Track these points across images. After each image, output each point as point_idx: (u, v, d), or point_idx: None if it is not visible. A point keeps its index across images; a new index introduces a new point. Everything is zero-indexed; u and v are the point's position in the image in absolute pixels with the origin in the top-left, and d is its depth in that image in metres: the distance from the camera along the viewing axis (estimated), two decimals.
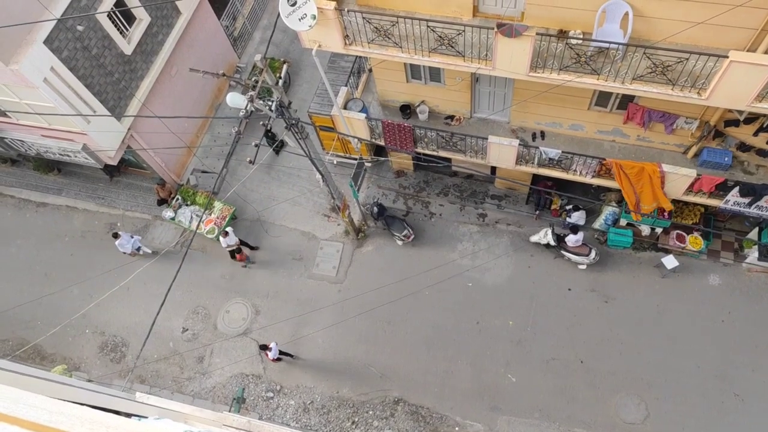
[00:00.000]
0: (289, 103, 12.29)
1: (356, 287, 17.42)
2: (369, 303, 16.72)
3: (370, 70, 16.05)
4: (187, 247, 14.08)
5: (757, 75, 9.79)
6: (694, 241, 16.29)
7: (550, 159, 14.68)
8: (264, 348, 15.49)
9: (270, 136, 18.00)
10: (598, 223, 16.95)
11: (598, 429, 15.05)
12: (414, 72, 14.89)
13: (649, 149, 14.58)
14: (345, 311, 17.07)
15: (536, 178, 16.72)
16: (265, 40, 22.28)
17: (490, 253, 17.50)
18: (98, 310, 16.90)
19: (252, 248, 18.24)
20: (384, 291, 16.76)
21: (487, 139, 14.53)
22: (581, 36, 11.11)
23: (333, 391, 16.31)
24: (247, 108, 11.01)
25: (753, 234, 16.12)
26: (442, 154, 15.85)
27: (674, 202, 15.40)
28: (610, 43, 10.66)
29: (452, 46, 11.66)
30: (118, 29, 15.69)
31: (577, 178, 15.09)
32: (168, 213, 18.82)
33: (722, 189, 13.68)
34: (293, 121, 12.40)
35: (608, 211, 16.57)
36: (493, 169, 17.48)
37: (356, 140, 16.29)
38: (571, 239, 16.15)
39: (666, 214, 15.56)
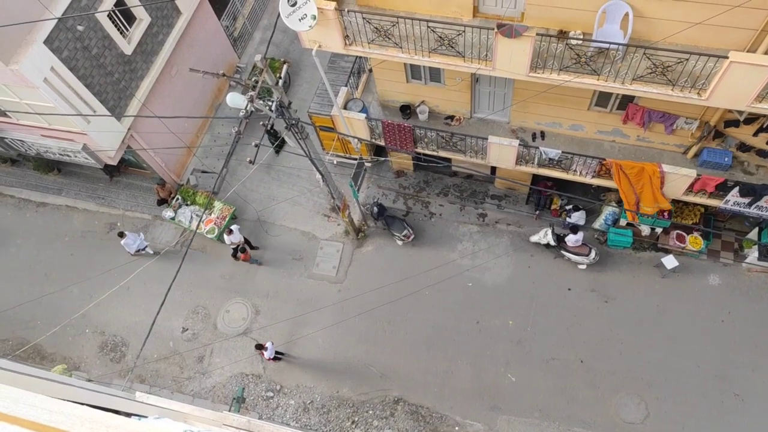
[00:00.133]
0: (289, 103, 12.30)
1: (356, 287, 17.43)
2: (369, 303, 16.73)
3: (370, 71, 16.05)
4: (187, 247, 14.08)
5: (757, 75, 9.79)
6: (694, 241, 16.30)
7: (550, 159, 14.68)
8: (260, 348, 15.49)
9: (272, 133, 17.98)
10: (598, 223, 16.96)
11: (598, 429, 15.05)
12: (414, 72, 14.89)
13: (649, 149, 14.58)
14: (345, 311, 17.08)
15: (536, 178, 16.73)
16: (265, 40, 22.29)
17: (490, 253, 17.51)
18: (98, 310, 16.92)
19: (252, 248, 18.24)
20: (384, 291, 16.77)
21: (487, 139, 14.53)
22: (581, 36, 11.12)
23: (333, 391, 16.31)
24: (247, 108, 11.01)
25: (753, 234, 16.12)
26: (442, 154, 15.85)
27: (674, 202, 15.41)
28: (610, 43, 10.67)
29: (452, 47, 11.66)
30: (118, 29, 15.70)
31: (577, 178, 15.09)
32: (168, 213, 18.83)
33: (722, 189, 13.68)
34: (293, 122, 12.40)
35: (608, 211, 16.58)
36: (493, 169, 17.48)
37: (356, 140, 16.29)
38: (571, 239, 16.16)
39: (666, 214, 15.57)
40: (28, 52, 13.40)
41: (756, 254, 15.93)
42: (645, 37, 10.86)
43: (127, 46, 16.03)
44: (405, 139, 15.43)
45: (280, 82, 11.91)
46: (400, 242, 17.84)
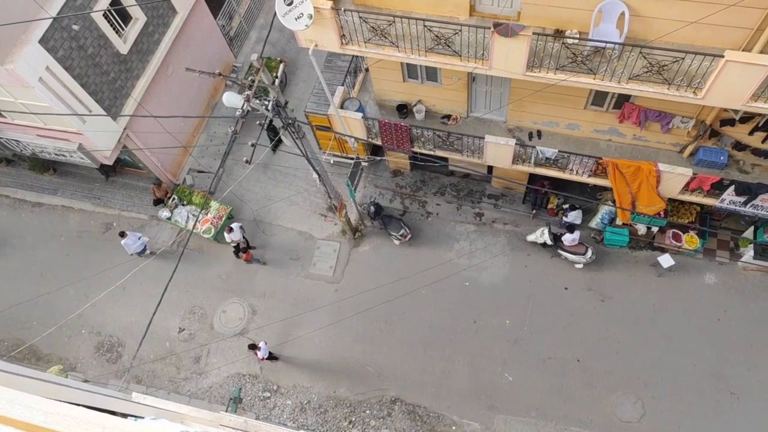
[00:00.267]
0: (286, 102, 12.28)
1: (353, 287, 17.42)
2: (366, 302, 16.72)
3: (367, 70, 16.04)
4: (184, 247, 14.05)
5: (752, 74, 9.82)
6: (690, 240, 16.34)
7: (546, 158, 14.70)
8: (253, 347, 15.45)
9: (271, 128, 17.91)
10: (595, 222, 16.99)
11: (594, 428, 15.08)
12: (411, 71, 14.89)
13: (645, 148, 14.61)
14: (342, 311, 17.07)
15: (533, 178, 16.74)
16: (261, 39, 22.25)
17: (487, 253, 17.52)
18: (94, 311, 16.86)
19: (249, 247, 18.21)
20: (381, 290, 16.76)
21: (483, 138, 14.54)
22: (578, 35, 11.13)
23: (330, 391, 16.30)
24: (244, 107, 10.98)
25: (748, 233, 16.18)
26: (439, 153, 15.86)
27: (670, 201, 15.45)
28: (607, 42, 10.68)
29: (449, 46, 11.66)
30: (113, 28, 15.65)
31: (574, 177, 15.12)
32: (164, 213, 18.78)
33: (718, 188, 13.73)
34: (290, 121, 12.38)
35: (605, 210, 16.61)
36: (490, 169, 17.50)
37: (353, 140, 16.28)
38: (568, 238, 16.18)
39: (662, 213, 15.60)
40: (23, 51, 13.35)
41: (752, 253, 15.98)
42: (641, 36, 10.88)
43: (122, 46, 15.98)
44: (402, 139, 15.42)
45: (277, 81, 11.89)
46: (397, 242, 17.84)
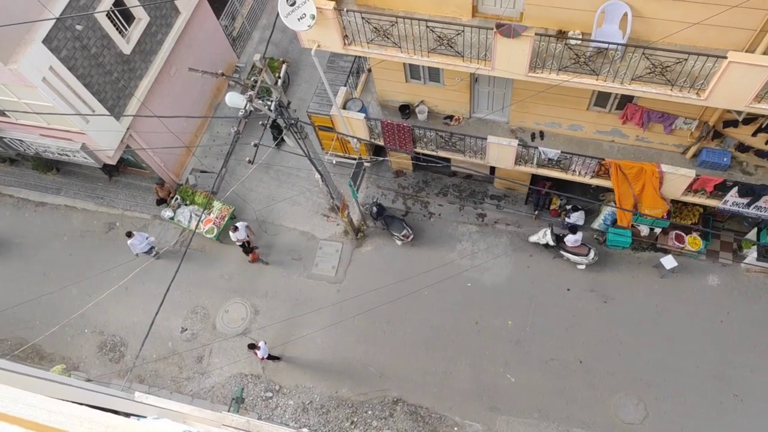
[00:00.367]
0: (288, 102, 12.29)
1: (355, 287, 17.42)
2: (368, 303, 16.72)
3: (369, 70, 16.05)
4: (186, 246, 14.09)
5: (755, 75, 9.80)
6: (693, 242, 16.30)
7: (549, 159, 14.69)
8: (252, 347, 15.46)
9: (275, 126, 17.92)
10: (597, 223, 16.96)
11: (597, 429, 15.06)
12: (413, 72, 14.89)
13: (648, 149, 14.59)
14: (344, 311, 17.07)
15: (535, 178, 16.73)
16: (264, 39, 22.28)
17: (489, 253, 17.51)
18: (97, 310, 16.89)
19: (252, 248, 18.23)
20: (383, 291, 16.76)
21: (486, 139, 14.53)
22: (580, 36, 11.12)
23: (332, 391, 16.31)
24: (246, 108, 11.00)
25: (752, 234, 16.14)
26: (442, 154, 15.85)
27: (673, 202, 15.42)
28: (609, 43, 10.68)
29: (451, 47, 11.66)
30: (117, 29, 15.68)
31: (576, 178, 15.10)
32: (167, 213, 18.81)
33: (721, 189, 13.69)
34: (292, 121, 12.39)
35: (607, 211, 16.58)
36: (492, 169, 17.49)
37: (355, 140, 16.29)
38: (570, 239, 16.16)
39: (665, 214, 15.57)
40: (27, 51, 13.39)
41: (755, 254, 15.94)
42: (644, 37, 10.87)
43: (125, 46, 16.02)
44: (404, 139, 15.43)
45: (279, 81, 11.91)
46: (399, 242, 17.84)
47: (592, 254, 16.38)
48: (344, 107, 15.78)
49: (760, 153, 13.52)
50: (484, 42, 11.50)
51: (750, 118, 12.73)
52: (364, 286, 17.20)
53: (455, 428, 15.53)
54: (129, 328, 17.74)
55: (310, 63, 19.02)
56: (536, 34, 10.64)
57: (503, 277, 17.20)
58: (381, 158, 18.67)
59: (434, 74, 14.64)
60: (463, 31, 11.31)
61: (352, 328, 16.92)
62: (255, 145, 11.38)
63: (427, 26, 11.39)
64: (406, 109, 15.82)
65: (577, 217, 16.87)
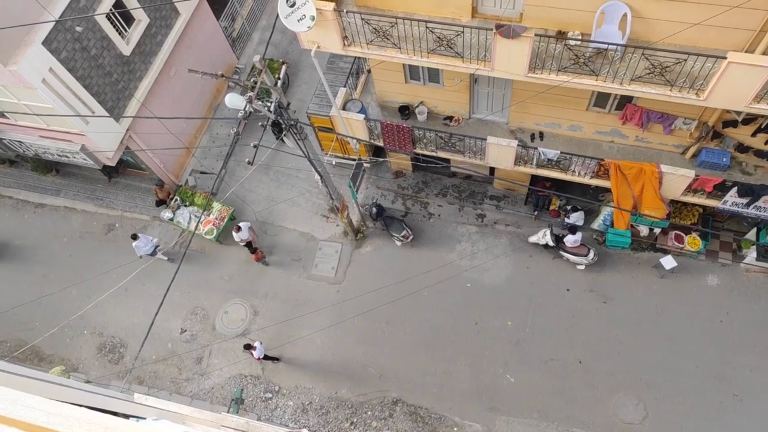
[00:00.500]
0: (288, 104, 12.30)
1: (355, 288, 17.42)
2: (368, 304, 16.72)
3: (369, 71, 16.06)
4: (186, 248, 14.09)
5: (755, 76, 9.81)
6: (693, 242, 16.31)
7: (548, 160, 14.70)
8: (248, 347, 15.45)
9: (276, 123, 17.93)
10: (597, 224, 16.96)
11: (596, 429, 15.06)
12: (413, 73, 14.90)
13: (648, 150, 14.60)
14: (343, 312, 17.07)
15: (535, 179, 16.74)
16: (263, 40, 22.29)
17: (489, 254, 17.51)
18: (96, 311, 16.89)
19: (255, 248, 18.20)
20: (383, 292, 16.76)
21: (485, 139, 14.54)
22: (580, 37, 11.13)
23: (331, 392, 16.30)
24: (246, 109, 11.00)
25: (751, 234, 16.15)
26: (441, 154, 15.86)
27: (673, 202, 15.43)
28: (609, 44, 10.68)
29: (451, 47, 11.67)
30: (116, 30, 15.69)
31: (576, 178, 15.11)
32: (166, 214, 18.80)
33: (720, 189, 13.70)
34: (292, 122, 12.40)
35: (607, 211, 16.58)
36: (492, 170, 17.49)
37: (355, 141, 16.29)
38: (570, 240, 16.17)
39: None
40: (27, 52, 13.39)
41: (754, 254, 15.95)
42: (643, 37, 10.88)
43: (125, 47, 16.02)
44: (404, 140, 15.43)
45: (279, 82, 11.91)
46: (398, 243, 17.84)
47: (591, 254, 16.39)
48: (344, 108, 15.79)
49: (759, 153, 13.53)
50: (484, 43, 11.51)
51: (749, 119, 12.74)
52: (363, 287, 17.20)
53: (455, 428, 15.53)
54: (128, 329, 17.73)
55: (309, 64, 19.03)
56: (536, 34, 10.65)
57: (503, 278, 17.20)
58: (380, 159, 18.67)
59: (434, 75, 14.65)
60: (462, 31, 11.32)
61: (352, 328, 16.92)
62: (254, 146, 11.37)
63: (427, 27, 11.40)
64: (405, 110, 15.83)
65: (576, 218, 16.88)
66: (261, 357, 15.77)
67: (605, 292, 16.65)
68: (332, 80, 16.40)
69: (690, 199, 14.47)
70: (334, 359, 16.67)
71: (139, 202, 19.84)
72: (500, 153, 14.86)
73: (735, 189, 13.46)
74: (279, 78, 12.21)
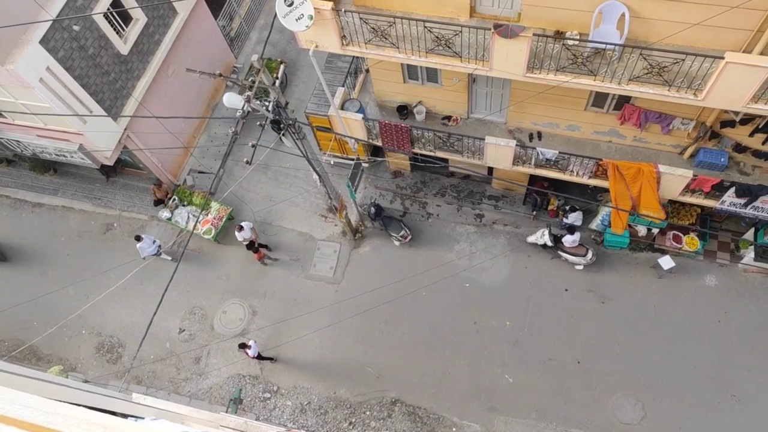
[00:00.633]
0: (286, 103, 12.29)
1: (353, 288, 17.42)
2: (366, 303, 16.72)
3: (367, 71, 16.05)
4: (184, 247, 14.07)
5: (752, 76, 9.82)
6: (691, 242, 16.34)
7: (547, 160, 14.71)
8: (243, 346, 15.45)
9: (276, 121, 17.91)
10: (595, 224, 16.98)
11: (595, 429, 15.07)
12: (411, 72, 14.89)
13: (646, 150, 14.61)
14: (342, 312, 17.06)
15: (533, 179, 16.75)
16: (262, 40, 22.27)
17: (487, 254, 17.52)
18: (94, 311, 16.86)
19: (261, 246, 18.09)
20: (381, 291, 16.76)
21: (484, 139, 14.54)
22: (578, 37, 11.14)
23: (330, 392, 16.30)
24: (244, 108, 10.99)
25: (749, 234, 16.17)
26: (439, 154, 15.86)
27: (671, 202, 15.45)
28: (607, 44, 10.69)
29: (449, 47, 11.67)
30: (114, 29, 15.66)
31: (574, 178, 15.12)
32: (164, 213, 18.78)
33: (718, 189, 13.72)
34: (290, 122, 12.39)
35: (605, 211, 16.59)
36: (490, 170, 17.50)
37: (353, 141, 16.29)
38: (568, 240, 16.18)
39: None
40: (24, 52, 13.36)
41: (752, 255, 15.97)
42: (641, 37, 10.89)
43: (123, 46, 16.00)
44: (402, 140, 15.43)
45: (277, 82, 11.90)
46: (397, 243, 17.84)
47: (590, 255, 16.40)
48: (342, 108, 15.78)
49: (757, 153, 13.56)
50: (482, 42, 11.51)
51: (747, 119, 12.76)
52: (362, 287, 17.20)
53: (453, 428, 15.53)
54: (127, 329, 17.71)
55: (307, 63, 19.04)
56: (534, 34, 10.64)
57: (501, 278, 17.21)
58: (379, 159, 18.67)
59: (432, 75, 14.65)
60: (460, 31, 11.32)
61: (350, 328, 16.91)
62: (253, 146, 11.37)
63: (425, 26, 11.40)
64: (404, 110, 15.83)
65: (575, 218, 16.89)
66: (255, 356, 15.75)
67: (603, 292, 16.66)
68: (330, 80, 16.39)
69: (688, 199, 14.49)
70: (333, 359, 16.67)
71: (137, 202, 19.81)
72: (498, 153, 14.87)
73: (733, 189, 13.48)
74: (277, 77, 12.21)
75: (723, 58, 9.73)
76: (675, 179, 13.68)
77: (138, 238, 17.26)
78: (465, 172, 18.33)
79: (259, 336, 16.91)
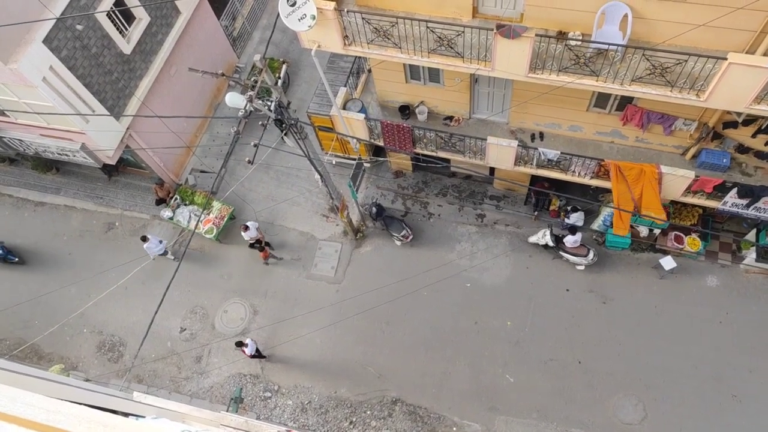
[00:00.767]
0: (288, 103, 12.29)
1: (354, 287, 17.42)
2: (367, 303, 16.72)
3: (369, 71, 16.05)
4: (186, 246, 14.09)
5: (755, 77, 9.81)
6: (692, 242, 16.31)
7: (548, 160, 14.70)
8: (240, 344, 15.45)
9: (279, 120, 17.91)
10: (597, 224, 16.96)
11: (596, 429, 15.06)
12: (413, 72, 14.89)
13: (648, 150, 14.60)
14: (343, 311, 17.07)
15: (535, 179, 16.74)
16: (264, 39, 22.28)
17: (489, 254, 17.51)
18: (96, 310, 16.89)
19: (267, 245, 18.11)
20: (382, 291, 16.76)
21: (486, 139, 14.54)
22: (580, 37, 11.12)
23: (331, 391, 16.30)
24: (246, 108, 11.00)
25: (751, 235, 16.15)
26: (441, 154, 15.86)
27: (673, 203, 15.43)
28: (609, 44, 10.68)
29: (451, 47, 11.66)
30: (117, 29, 15.68)
31: (576, 179, 15.11)
32: (166, 213, 18.80)
33: (720, 190, 13.70)
34: (292, 122, 12.39)
35: (607, 212, 16.57)
36: (492, 170, 17.49)
37: (355, 140, 16.29)
38: (570, 240, 16.17)
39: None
40: (27, 51, 13.38)
41: (754, 255, 15.95)
42: (644, 38, 10.87)
43: (126, 46, 16.02)
44: (404, 140, 15.43)
45: (279, 82, 11.91)
46: (398, 242, 17.84)
47: (591, 255, 16.39)
48: (344, 108, 15.79)
49: (759, 154, 13.53)
50: (484, 43, 11.50)
51: (750, 120, 12.74)
52: (363, 287, 17.20)
53: (454, 428, 15.53)
54: (128, 327, 17.73)
55: (310, 63, 19.02)
56: (536, 35, 10.65)
57: (502, 278, 17.20)
58: (381, 159, 18.67)
59: (434, 75, 14.64)
60: (463, 31, 11.32)
61: (351, 328, 16.92)
62: (255, 145, 11.38)
63: (428, 27, 11.40)
64: (405, 110, 15.83)
65: (576, 218, 16.88)
66: (252, 354, 15.76)
67: (605, 293, 16.65)
68: (333, 80, 16.39)
69: (690, 200, 14.47)
70: (334, 358, 16.67)
71: (139, 201, 19.84)
72: (500, 153, 14.86)
73: (735, 190, 13.46)
74: (279, 77, 12.21)
75: (726, 59, 9.71)
76: (677, 180, 13.66)
77: (144, 239, 17.26)
78: (466, 173, 18.32)
79: (260, 335, 16.93)
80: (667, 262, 15.84)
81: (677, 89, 10.84)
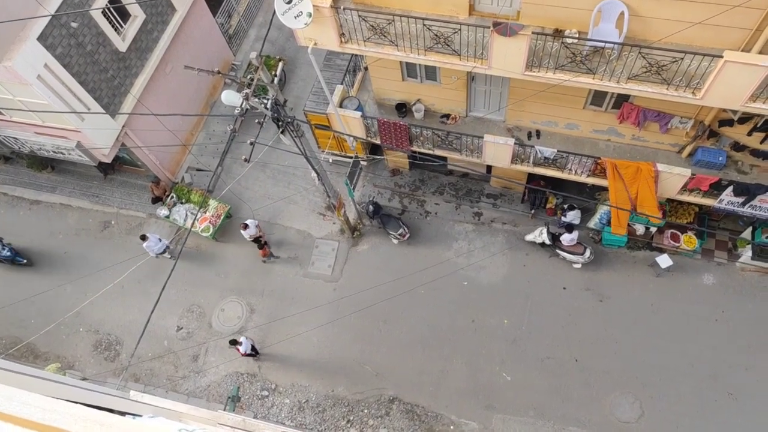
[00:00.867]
0: (285, 101, 12.27)
1: (351, 286, 17.41)
2: (364, 302, 16.72)
3: (366, 69, 16.03)
4: (182, 245, 14.06)
5: (751, 75, 9.82)
6: (689, 241, 16.36)
7: (545, 158, 14.71)
8: (234, 343, 15.42)
9: (277, 119, 17.90)
10: (593, 222, 17.00)
11: (592, 428, 15.09)
12: (410, 70, 14.88)
13: (644, 148, 14.62)
14: (340, 310, 17.06)
15: (531, 177, 16.75)
16: (260, 37, 22.23)
17: (486, 252, 17.52)
18: (92, 309, 16.84)
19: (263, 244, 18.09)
20: (379, 290, 16.76)
21: (482, 138, 14.54)
22: (577, 35, 11.12)
23: (328, 390, 16.30)
24: (243, 106, 10.98)
25: (746, 233, 16.19)
26: (438, 152, 15.85)
27: (669, 201, 15.46)
28: (606, 42, 10.68)
29: (448, 45, 11.65)
30: (112, 26, 15.62)
31: (573, 177, 15.12)
32: (162, 211, 18.76)
33: (716, 188, 13.74)
34: (288, 120, 12.37)
35: (603, 210, 16.61)
36: (489, 168, 17.50)
37: (352, 139, 16.27)
38: (566, 238, 16.19)
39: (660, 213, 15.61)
40: (22, 48, 13.31)
41: (749, 253, 16.00)
42: (640, 36, 10.88)
43: (121, 43, 15.95)
44: (401, 138, 15.42)
45: (276, 79, 11.88)
46: (395, 241, 17.84)
47: (587, 253, 16.42)
48: (341, 105, 15.76)
49: (755, 152, 13.57)
50: (481, 40, 11.49)
51: (745, 118, 12.77)
52: (360, 285, 17.19)
53: (451, 427, 15.55)
54: (124, 326, 17.68)
55: (306, 61, 19.00)
56: (533, 32, 10.64)
57: (499, 276, 17.22)
58: (377, 157, 18.66)
59: (431, 73, 14.63)
60: (459, 29, 11.30)
61: (349, 326, 16.91)
62: (251, 144, 11.35)
63: (424, 24, 11.38)
64: (402, 108, 15.81)
65: (573, 216, 16.90)
66: (247, 353, 15.74)
67: (601, 291, 16.68)
68: (329, 77, 16.36)
69: (686, 198, 14.50)
70: (331, 357, 16.67)
71: (135, 200, 19.78)
72: (497, 151, 14.86)
73: (731, 188, 13.50)
74: (276, 75, 12.18)
75: (722, 56, 9.73)
76: (673, 178, 13.69)
77: (143, 238, 17.20)
78: (463, 171, 18.33)
79: (257, 334, 16.91)
80: (664, 260, 15.88)
81: (673, 87, 10.86)
